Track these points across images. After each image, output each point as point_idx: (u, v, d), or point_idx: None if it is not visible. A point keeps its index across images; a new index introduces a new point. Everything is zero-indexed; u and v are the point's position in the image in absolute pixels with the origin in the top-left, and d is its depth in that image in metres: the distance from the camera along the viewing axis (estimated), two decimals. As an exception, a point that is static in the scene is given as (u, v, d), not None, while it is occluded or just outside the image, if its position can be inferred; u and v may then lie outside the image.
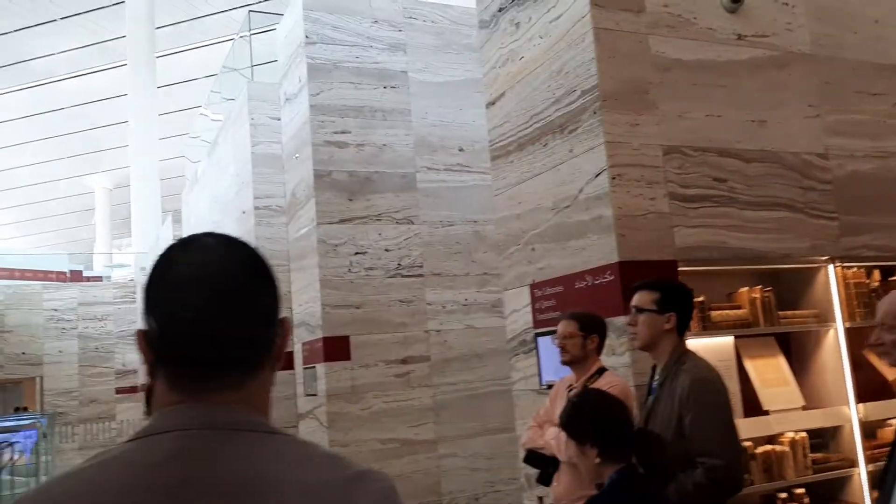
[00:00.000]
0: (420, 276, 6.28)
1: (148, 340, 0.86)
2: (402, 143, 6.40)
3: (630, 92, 3.00)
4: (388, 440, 5.89)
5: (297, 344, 6.42)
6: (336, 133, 6.16)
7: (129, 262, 25.91)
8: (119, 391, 18.55)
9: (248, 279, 0.86)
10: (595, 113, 2.94)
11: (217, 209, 9.47)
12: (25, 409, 21.26)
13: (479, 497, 6.13)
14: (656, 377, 2.47)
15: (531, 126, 3.36)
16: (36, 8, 23.41)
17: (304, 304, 6.27)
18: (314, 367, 6.02)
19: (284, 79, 6.69)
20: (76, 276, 23.91)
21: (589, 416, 2.15)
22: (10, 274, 21.70)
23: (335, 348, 5.87)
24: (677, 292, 2.46)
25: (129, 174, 34.64)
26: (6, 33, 24.92)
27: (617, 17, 3.01)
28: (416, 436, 5.99)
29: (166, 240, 13.39)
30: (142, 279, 15.49)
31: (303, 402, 6.28)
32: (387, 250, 6.21)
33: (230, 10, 23.75)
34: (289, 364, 7.76)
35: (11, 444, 6.57)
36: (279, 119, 8.09)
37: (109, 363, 18.66)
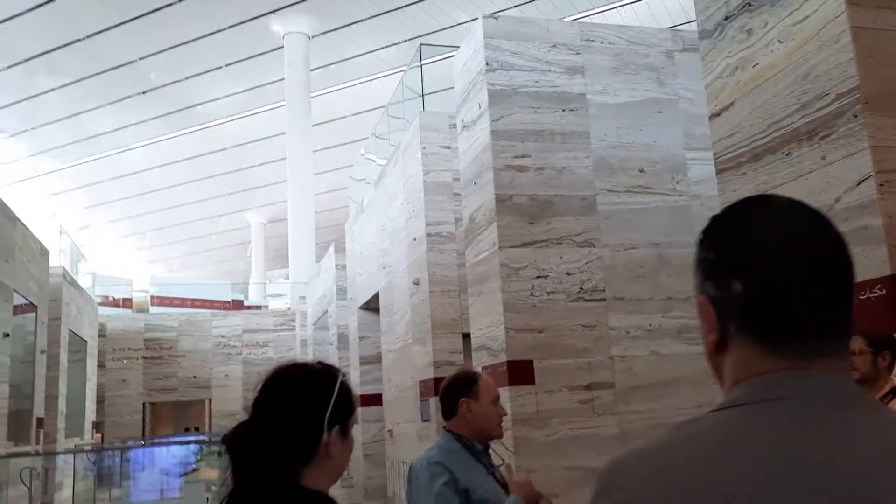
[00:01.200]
0: (602, 300, 6.14)
1: (719, 307, 0.81)
2: (581, 165, 6.33)
3: (894, 93, 2.78)
4: (574, 468, 5.74)
5: (477, 366, 6.43)
6: (516, 157, 6.18)
7: (285, 291, 27.32)
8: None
9: (843, 240, 0.79)
10: (855, 116, 2.75)
11: (385, 237, 9.76)
12: (196, 429, 22.70)
13: (670, 532, 5.83)
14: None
15: (769, 135, 3.20)
16: (202, 57, 25.38)
17: (484, 328, 6.28)
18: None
19: (462, 106, 6.81)
20: (237, 305, 25.45)
21: None
22: (183, 303, 23.42)
23: (520, 372, 5.82)
24: None
25: (281, 209, 36.72)
26: (177, 81, 27.15)
27: (875, 14, 2.82)
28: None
29: (329, 269, 13.96)
30: (300, 307, 16.14)
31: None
32: (568, 274, 6.12)
33: (377, 49, 24.81)
34: (460, 389, 7.80)
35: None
36: (449, 147, 8.28)
37: (270, 387, 19.55)
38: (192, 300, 24.03)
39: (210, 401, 19.23)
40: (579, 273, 6.14)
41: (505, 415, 2.42)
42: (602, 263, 6.19)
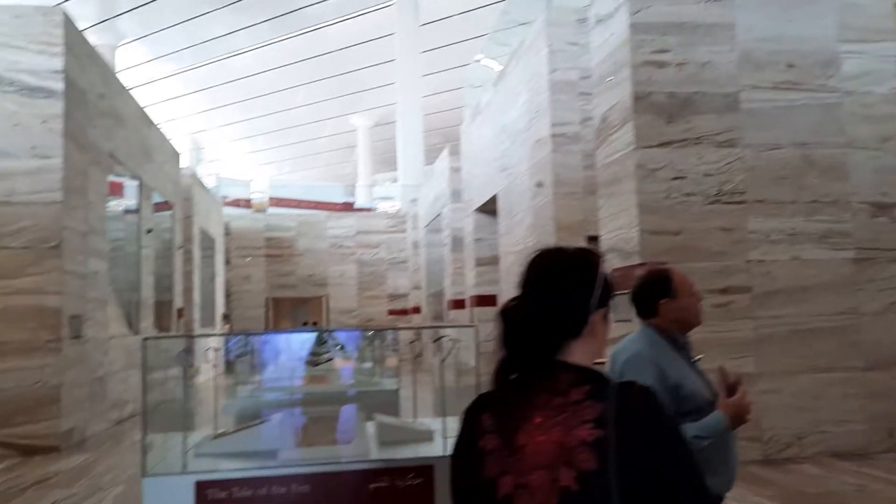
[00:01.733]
0: (742, 202, 5.93)
1: None
2: (725, 60, 6.00)
3: None
4: (707, 370, 5.73)
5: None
6: (655, 52, 5.92)
7: (393, 194, 27.79)
8: (391, 313, 20.15)
9: None
10: None
11: (504, 138, 9.68)
12: (315, 323, 23.93)
13: (803, 437, 5.79)
14: None
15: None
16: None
17: (615, 230, 6.22)
18: (628, 293, 5.96)
19: (595, 0, 6.53)
20: (348, 207, 26.15)
21: None
22: (298, 204, 24.29)
23: (653, 275, 5.76)
24: None
25: (388, 112, 36.83)
26: (286, -16, 27.09)
27: None
28: (738, 368, 5.74)
29: (443, 171, 14.05)
30: (412, 210, 16.41)
31: (613, 327, 6.28)
32: (707, 175, 5.92)
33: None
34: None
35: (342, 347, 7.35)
36: (577, 44, 8.00)
37: (382, 287, 20.29)
38: (307, 202, 24.85)
39: (327, 298, 20.15)
40: (718, 174, 5.93)
41: (702, 299, 2.40)
42: (743, 164, 5.95)
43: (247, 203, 23.42)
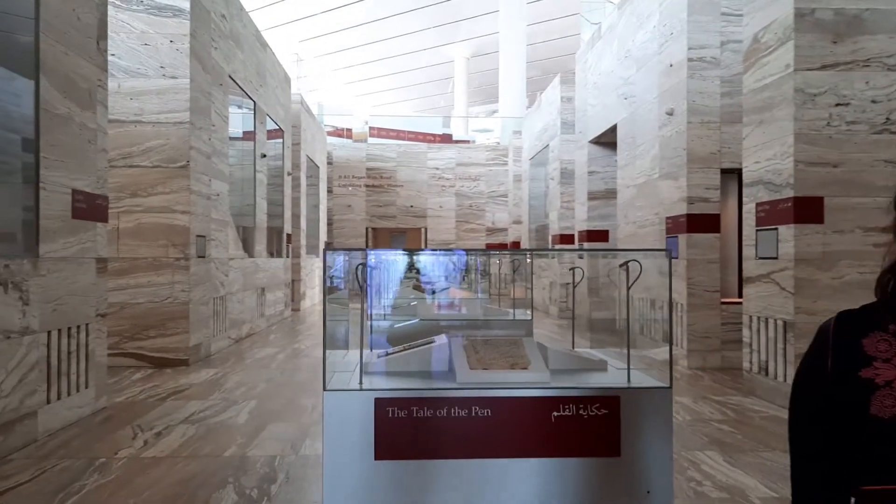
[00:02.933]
0: (914, 132, 5.36)
1: None
2: (905, -28, 5.35)
3: None
4: (860, 315, 5.31)
5: (748, 204, 6.00)
6: (825, -37, 5.33)
7: (492, 126, 27.35)
8: (489, 246, 20.04)
9: None
10: None
11: (629, 64, 9.16)
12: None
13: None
14: None
15: None
16: None
17: (763, 161, 5.77)
18: (775, 228, 5.57)
19: None
20: (446, 139, 25.90)
21: None
22: (398, 135, 24.22)
23: (807, 210, 5.34)
24: None
25: (485, 43, 36.03)
26: None
27: None
28: (897, 314, 5.31)
29: (553, 101, 13.57)
30: (514, 142, 16.02)
31: (753, 265, 5.91)
32: (874, 102, 5.37)
33: None
34: (713, 227, 7.41)
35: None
36: (720, -41, 7.37)
37: (481, 220, 20.14)
38: (406, 132, 24.75)
39: (426, 229, 20.18)
40: (887, 101, 5.37)
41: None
42: (918, 90, 5.36)
43: (348, 133, 23.51)
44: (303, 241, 14.41)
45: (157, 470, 3.81)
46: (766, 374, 5.75)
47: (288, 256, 12.85)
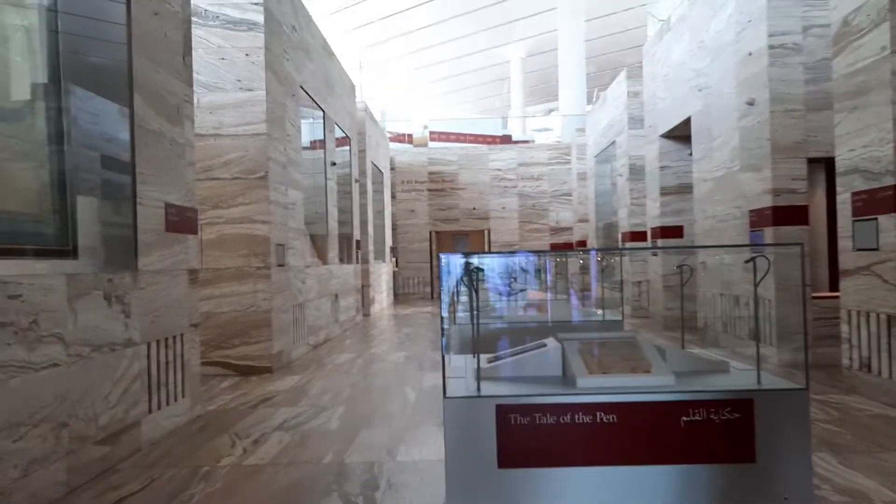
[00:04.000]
0: None
1: None
2: None
3: None
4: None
5: (842, 194, 5.76)
6: (922, -62, 5.07)
7: (549, 125, 27.15)
8: (553, 247, 19.86)
9: None
10: None
11: (703, 55, 8.92)
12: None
13: None
14: None
15: None
16: None
17: (858, 148, 5.52)
18: (875, 218, 5.33)
19: None
20: (506, 140, 25.79)
21: None
22: (458, 138, 24.24)
23: (911, 198, 5.08)
24: None
25: (540, 42, 35.81)
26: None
27: None
28: None
29: (619, 97, 13.36)
30: (577, 140, 15.83)
31: (851, 257, 5.66)
32: (980, 81, 5.08)
33: None
34: (801, 219, 7.15)
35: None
36: (800, -58, 7.12)
37: (544, 220, 19.98)
38: (465, 135, 24.76)
39: (489, 231, 20.12)
40: None
41: None
42: None
43: (409, 138, 23.64)
44: (371, 247, 14.53)
45: (260, 478, 3.85)
46: (869, 370, 5.50)
47: (357, 262, 12.96)
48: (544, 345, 2.80)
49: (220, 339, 7.24)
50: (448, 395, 2.42)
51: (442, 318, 2.49)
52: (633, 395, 2.36)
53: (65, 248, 4.10)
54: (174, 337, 4.96)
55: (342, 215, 11.79)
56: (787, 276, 7.09)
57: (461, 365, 2.99)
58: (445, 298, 2.49)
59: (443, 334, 2.45)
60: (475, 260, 2.55)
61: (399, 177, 19.86)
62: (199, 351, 5.50)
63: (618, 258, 12.91)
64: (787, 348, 7.04)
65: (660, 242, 11.04)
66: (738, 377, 2.60)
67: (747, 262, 2.44)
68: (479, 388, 2.49)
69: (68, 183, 4.15)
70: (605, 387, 2.43)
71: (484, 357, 2.94)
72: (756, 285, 2.48)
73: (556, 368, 2.68)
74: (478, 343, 2.71)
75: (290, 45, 8.35)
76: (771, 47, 7.15)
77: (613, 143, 13.99)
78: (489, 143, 24.58)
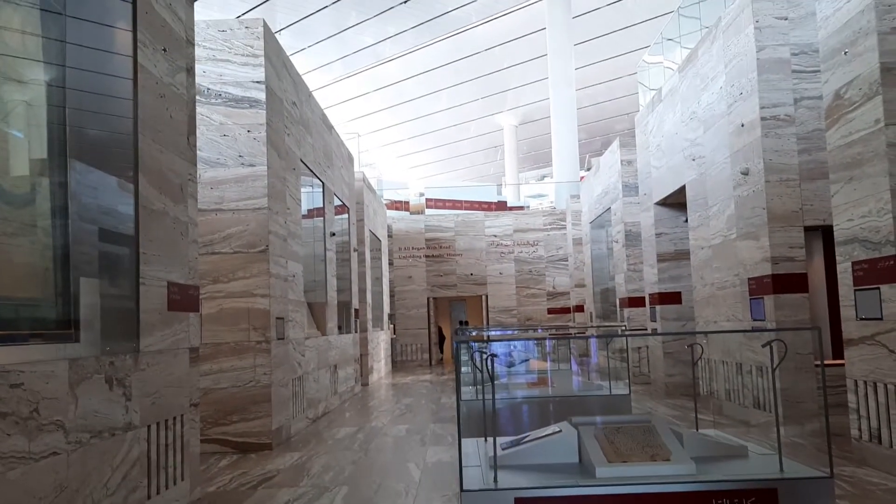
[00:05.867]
0: None
1: None
2: None
3: None
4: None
5: (842, 263, 5.78)
6: (907, 17, 5.24)
7: (545, 191, 27.45)
8: (551, 311, 19.80)
9: None
10: None
11: (695, 125, 9.10)
12: (466, 322, 24.02)
13: None
14: None
15: None
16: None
17: (857, 218, 5.58)
18: (877, 287, 5.34)
19: (824, -35, 5.90)
20: (501, 206, 26.02)
21: None
22: (454, 205, 24.45)
23: (912, 267, 5.11)
24: None
25: (533, 110, 36.54)
26: (434, -14, 27.37)
27: None
28: None
29: (613, 165, 13.54)
30: (572, 206, 15.97)
31: (854, 326, 5.65)
32: (973, 152, 5.17)
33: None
34: (801, 287, 7.17)
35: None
36: (786, 19, 7.35)
37: (541, 285, 19.98)
38: (461, 202, 24.97)
39: (486, 297, 20.09)
40: None
41: None
42: None
43: (406, 205, 23.82)
44: (369, 315, 14.46)
45: (264, 567, 3.72)
46: (880, 442, 5.42)
47: (356, 331, 12.88)
48: (558, 429, 2.75)
49: (219, 415, 7.12)
50: (465, 487, 2.36)
51: (458, 407, 2.45)
52: (655, 486, 2.30)
53: (66, 331, 4.06)
54: (174, 418, 4.87)
55: (341, 283, 11.76)
56: (789, 344, 7.05)
57: (473, 450, 2.93)
58: (462, 387, 2.46)
59: (459, 425, 2.40)
60: (486, 346, 2.53)
61: (396, 244, 19.93)
62: (199, 429, 5.39)
63: (622, 325, 12.83)
64: (792, 417, 6.95)
65: (658, 309, 11.02)
66: (760, 463, 2.55)
67: (765, 346, 2.42)
68: (496, 479, 2.43)
69: (72, 264, 4.14)
70: (626, 476, 2.37)
71: (502, 444, 2.89)
72: (774, 370, 2.46)
73: (572, 455, 2.63)
74: (494, 428, 2.66)
75: (290, 121, 8.49)
76: (763, 119, 7.30)
77: (608, 209, 14.11)
78: (485, 209, 24.80)
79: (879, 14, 5.27)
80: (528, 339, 8.02)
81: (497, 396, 4.87)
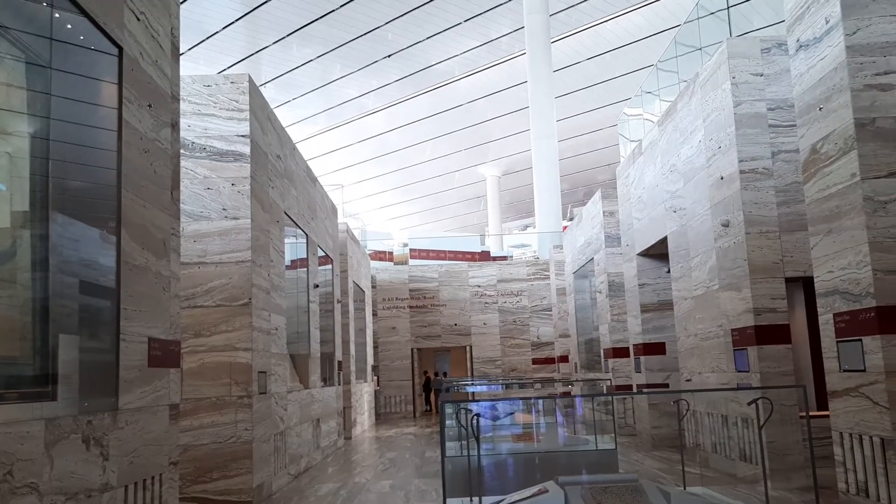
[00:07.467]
0: None
1: None
2: (960, 78, 5.39)
3: None
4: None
5: (824, 314, 5.83)
6: (878, 75, 5.41)
7: (528, 241, 27.59)
8: (535, 361, 19.71)
9: None
10: None
11: (675, 178, 9.24)
12: (444, 374, 23.82)
13: None
14: None
15: None
16: (442, 16, 25.87)
17: (837, 270, 5.64)
18: (859, 339, 5.37)
19: (796, 25, 6.09)
20: (484, 256, 26.10)
21: None
22: (437, 255, 24.49)
23: (892, 320, 5.15)
24: None
25: (515, 161, 36.96)
26: (417, 42, 27.94)
27: None
28: None
29: (595, 216, 13.67)
30: (556, 257, 16.02)
31: (838, 378, 5.66)
32: (947, 206, 5.28)
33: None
34: (783, 338, 7.20)
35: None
36: (762, 75, 7.55)
37: (526, 335, 19.93)
38: (444, 252, 25.03)
39: (471, 347, 19.98)
40: (960, 204, 5.27)
41: None
42: None
43: (389, 256, 23.83)
44: (352, 367, 14.32)
45: None
46: (867, 495, 5.39)
47: (339, 384, 12.72)
48: (545, 489, 2.71)
49: (198, 472, 6.95)
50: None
51: (443, 467, 2.41)
52: (643, 549, 2.27)
53: (44, 388, 3.98)
54: (153, 477, 4.75)
55: (324, 334, 11.66)
56: (773, 396, 7.04)
57: (459, 511, 2.87)
58: (444, 447, 2.42)
59: (444, 486, 2.36)
60: (473, 406, 2.51)
61: (380, 294, 19.87)
62: (178, 488, 5.26)
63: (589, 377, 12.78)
64: (779, 470, 6.90)
65: (643, 360, 11.00)
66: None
67: (750, 403, 2.41)
68: (482, 543, 2.38)
69: (51, 319, 4.07)
70: (614, 540, 2.33)
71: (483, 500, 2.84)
72: (761, 428, 2.45)
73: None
74: (480, 488, 2.61)
75: (274, 174, 8.52)
76: (742, 172, 7.43)
77: (591, 260, 14.19)
78: (468, 259, 24.85)
79: (852, 72, 5.43)
80: (513, 398, 7.97)
81: (482, 450, 4.81)
